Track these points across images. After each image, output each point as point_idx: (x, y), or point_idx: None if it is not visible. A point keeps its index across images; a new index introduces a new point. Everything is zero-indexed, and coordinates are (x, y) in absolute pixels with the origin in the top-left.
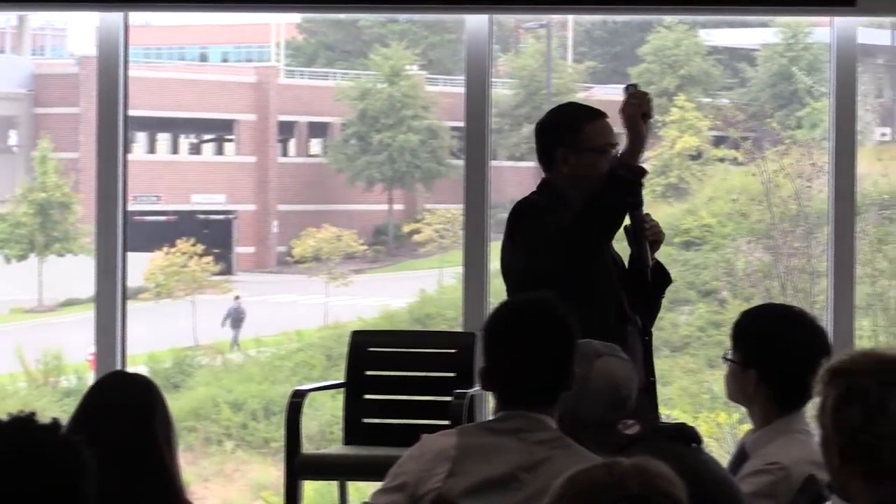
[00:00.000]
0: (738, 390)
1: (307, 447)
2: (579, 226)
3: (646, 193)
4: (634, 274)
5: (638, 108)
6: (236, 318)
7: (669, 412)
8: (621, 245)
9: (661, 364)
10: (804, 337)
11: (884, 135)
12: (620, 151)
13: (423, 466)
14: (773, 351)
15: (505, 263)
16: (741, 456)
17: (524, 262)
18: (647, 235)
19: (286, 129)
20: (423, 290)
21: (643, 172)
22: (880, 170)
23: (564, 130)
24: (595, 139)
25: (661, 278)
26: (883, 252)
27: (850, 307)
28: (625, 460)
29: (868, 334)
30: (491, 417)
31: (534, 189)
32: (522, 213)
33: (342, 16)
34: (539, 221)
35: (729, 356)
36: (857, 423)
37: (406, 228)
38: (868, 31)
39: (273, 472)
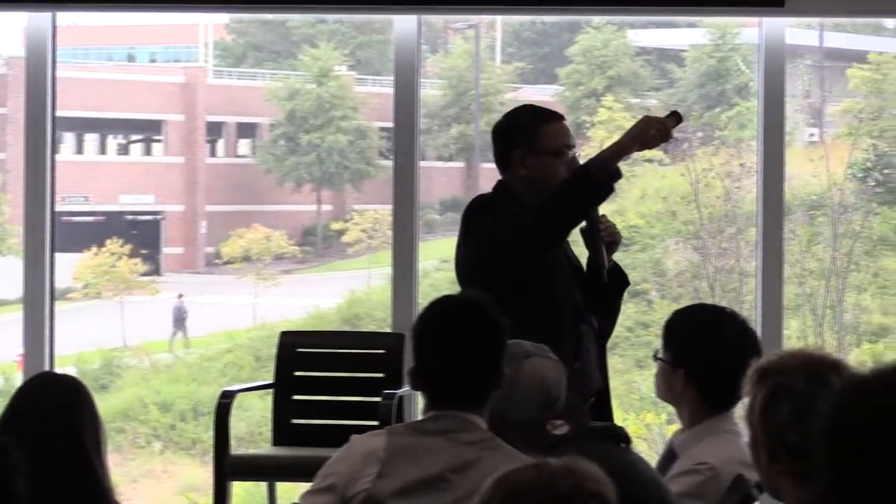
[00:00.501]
0: (667, 389)
1: (236, 448)
2: (538, 217)
3: None
4: (591, 276)
5: (665, 135)
6: (179, 318)
7: None
8: (580, 248)
9: None
10: (734, 337)
11: (812, 135)
12: (603, 149)
13: (353, 467)
14: (702, 351)
15: (458, 262)
16: (670, 456)
17: (476, 260)
18: (602, 237)
19: (214, 130)
20: (352, 290)
21: (618, 176)
22: (809, 170)
23: (521, 132)
24: (551, 141)
25: (619, 280)
26: (811, 252)
27: (779, 308)
28: (554, 461)
29: (797, 334)
30: (421, 418)
31: (462, 188)
32: (476, 210)
33: (270, 16)
34: (493, 219)
35: (659, 355)
36: (785, 422)
37: (335, 228)
38: (796, 31)
39: (202, 473)
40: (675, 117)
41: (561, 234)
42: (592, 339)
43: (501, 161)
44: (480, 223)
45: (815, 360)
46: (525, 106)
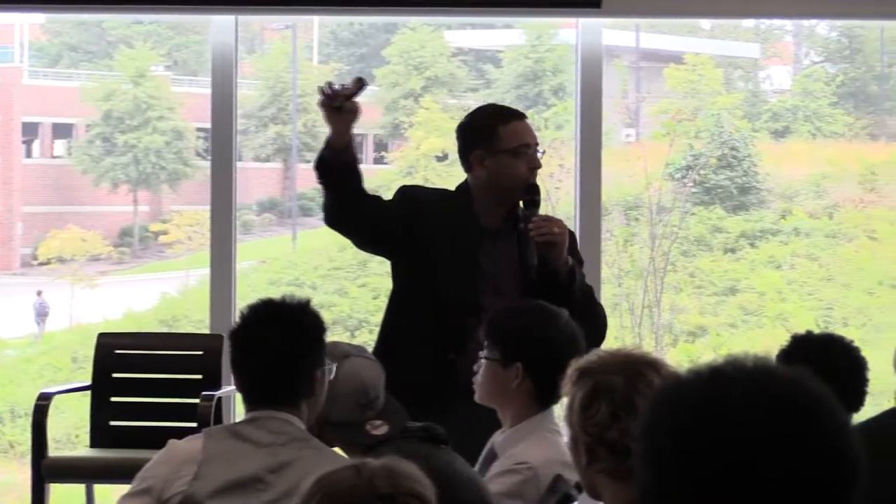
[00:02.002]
0: (498, 389)
1: (54, 450)
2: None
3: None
4: (540, 276)
5: (347, 98)
6: (40, 313)
7: None
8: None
9: None
10: (564, 327)
11: (629, 136)
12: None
13: (170, 470)
14: (537, 342)
15: None
16: (490, 456)
17: None
18: (533, 236)
19: (30, 131)
20: (170, 292)
21: (342, 156)
22: (626, 171)
23: (479, 133)
24: (509, 141)
25: (564, 280)
26: (629, 252)
27: None
28: (373, 461)
29: (615, 334)
30: (242, 419)
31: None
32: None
33: (86, 16)
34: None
35: (487, 356)
36: (604, 420)
37: (152, 229)
38: (613, 32)
39: (19, 476)
40: (359, 82)
41: (334, 217)
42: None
43: (463, 161)
44: None
45: (634, 358)
46: (487, 105)
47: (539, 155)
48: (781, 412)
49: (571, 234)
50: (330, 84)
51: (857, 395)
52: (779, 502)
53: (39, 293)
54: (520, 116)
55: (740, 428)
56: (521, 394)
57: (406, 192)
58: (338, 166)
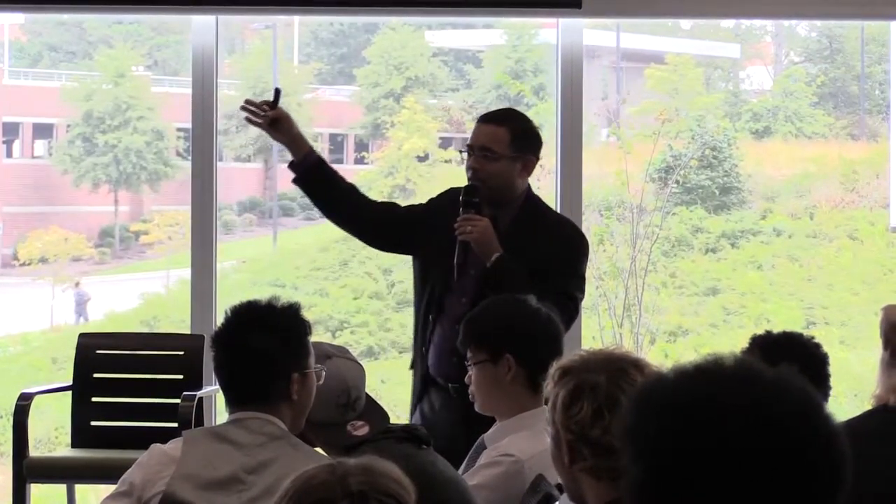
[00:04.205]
0: (494, 387)
1: (34, 450)
2: None
3: (374, 194)
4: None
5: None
6: (80, 303)
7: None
8: None
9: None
10: (537, 312)
11: (610, 136)
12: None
13: (150, 470)
14: (517, 328)
15: None
16: (480, 449)
17: None
18: (457, 234)
19: (10, 131)
20: (151, 292)
21: (301, 167)
22: (607, 171)
23: None
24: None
25: (492, 276)
26: (609, 253)
27: None
28: (350, 460)
29: (594, 334)
30: (224, 420)
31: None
32: None
33: (67, 16)
34: None
35: (475, 360)
36: (587, 418)
37: (133, 230)
38: (594, 32)
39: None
40: (276, 92)
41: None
42: (446, 327)
43: None
44: None
45: (617, 357)
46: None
47: (463, 154)
48: (772, 411)
49: (571, 243)
50: (247, 101)
51: (819, 391)
52: (771, 498)
53: (77, 284)
54: (480, 119)
55: (732, 426)
56: (517, 385)
57: (436, 196)
58: (307, 173)
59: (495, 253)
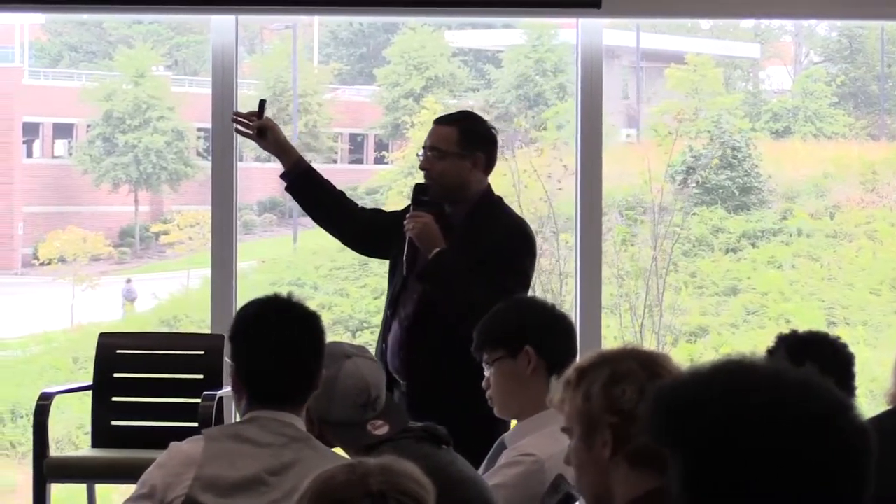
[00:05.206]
0: (515, 383)
1: (55, 450)
2: None
3: (395, 194)
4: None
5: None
6: (129, 298)
7: None
8: None
9: None
10: (542, 303)
11: (629, 136)
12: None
13: (171, 473)
14: (531, 319)
15: None
16: (500, 449)
17: None
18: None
19: (31, 131)
20: (171, 291)
21: (289, 175)
22: (627, 171)
23: None
24: None
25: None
26: (630, 253)
27: (598, 307)
28: (371, 460)
29: (615, 334)
30: (239, 420)
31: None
32: None
33: (87, 16)
34: None
35: (493, 359)
36: (634, 396)
37: (153, 230)
38: (614, 32)
39: (20, 476)
40: (261, 103)
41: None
42: (398, 324)
43: None
44: None
45: (637, 349)
46: None
47: (418, 156)
48: (803, 411)
49: (514, 238)
50: (235, 113)
51: (845, 391)
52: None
53: (129, 280)
54: (434, 121)
55: (777, 420)
56: (538, 377)
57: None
58: (297, 181)
59: (436, 248)
